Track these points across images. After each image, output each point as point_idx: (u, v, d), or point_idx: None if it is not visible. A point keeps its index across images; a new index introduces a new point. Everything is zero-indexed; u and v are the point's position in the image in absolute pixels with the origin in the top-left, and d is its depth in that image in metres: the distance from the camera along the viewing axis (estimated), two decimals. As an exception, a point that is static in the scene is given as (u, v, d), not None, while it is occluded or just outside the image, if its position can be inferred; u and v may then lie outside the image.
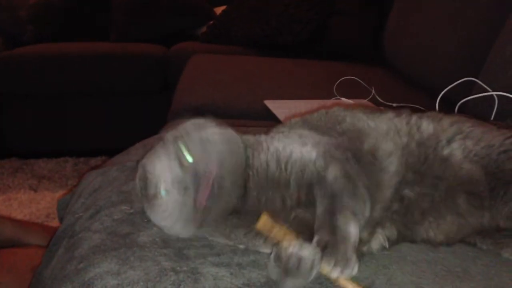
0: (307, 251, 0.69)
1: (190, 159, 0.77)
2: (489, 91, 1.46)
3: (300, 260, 0.68)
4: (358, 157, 0.84)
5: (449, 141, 0.90)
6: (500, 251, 0.85)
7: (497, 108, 1.43)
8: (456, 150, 0.88)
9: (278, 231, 0.74)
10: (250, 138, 0.89)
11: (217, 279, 0.73)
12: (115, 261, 0.76)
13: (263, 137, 0.89)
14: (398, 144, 0.88)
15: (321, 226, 0.74)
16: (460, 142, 0.89)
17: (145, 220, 0.85)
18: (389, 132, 0.90)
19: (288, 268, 0.69)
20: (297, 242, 0.70)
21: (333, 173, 0.79)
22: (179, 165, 0.77)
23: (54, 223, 2.24)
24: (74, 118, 3.05)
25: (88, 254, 0.79)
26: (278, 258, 0.70)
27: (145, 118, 2.85)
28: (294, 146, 0.83)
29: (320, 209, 0.76)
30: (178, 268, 0.75)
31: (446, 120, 0.94)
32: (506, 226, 0.84)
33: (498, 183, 0.84)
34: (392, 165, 0.85)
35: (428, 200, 0.85)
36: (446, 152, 0.88)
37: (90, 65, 2.95)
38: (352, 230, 0.73)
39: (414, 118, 0.94)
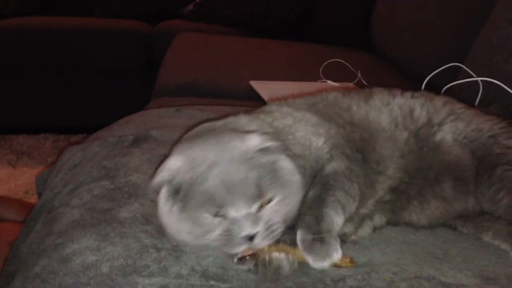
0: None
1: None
2: (474, 77, 1.46)
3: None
4: (364, 157, 0.83)
5: (441, 124, 0.90)
6: (481, 235, 0.85)
7: (481, 94, 1.43)
8: (447, 134, 0.89)
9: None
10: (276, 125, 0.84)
11: (199, 257, 0.72)
12: (95, 237, 0.74)
13: (280, 124, 0.84)
14: (398, 142, 0.88)
15: (308, 212, 0.74)
16: (452, 124, 0.90)
17: (126, 196, 0.83)
18: (390, 128, 0.89)
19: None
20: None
21: (335, 167, 0.78)
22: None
23: (33, 199, 2.20)
24: (56, 94, 2.98)
25: (67, 229, 0.77)
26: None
27: (130, 96, 2.80)
28: (311, 137, 0.81)
29: (311, 192, 0.76)
30: (160, 245, 0.73)
31: (439, 101, 0.94)
32: (489, 209, 0.85)
33: (484, 167, 0.85)
34: (389, 169, 0.85)
35: (416, 188, 0.85)
36: (438, 138, 0.89)
37: (72, 40, 2.89)
38: (338, 223, 0.74)
39: (407, 101, 0.94)
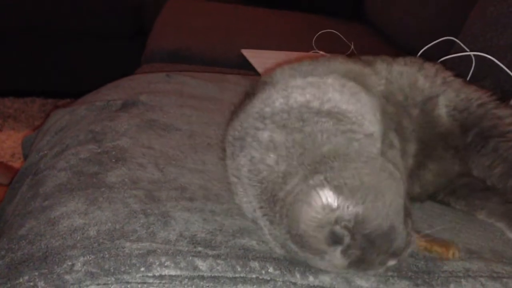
0: None
1: None
2: (467, 51, 1.45)
3: None
4: None
5: (438, 96, 0.90)
6: (474, 213, 0.86)
7: (474, 69, 1.43)
8: (442, 109, 0.89)
9: None
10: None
11: (188, 223, 0.72)
12: (82, 201, 0.73)
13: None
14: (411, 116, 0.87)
15: None
16: (444, 95, 0.90)
17: (113, 160, 0.82)
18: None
19: None
20: None
21: None
22: None
23: (19, 163, 2.18)
24: (45, 58, 2.90)
25: (54, 192, 0.76)
26: None
27: (120, 62, 2.72)
28: None
29: None
30: (149, 210, 0.73)
31: (431, 68, 0.93)
32: (481, 176, 0.86)
33: (477, 138, 0.87)
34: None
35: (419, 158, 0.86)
36: (436, 113, 0.89)
37: (60, 3, 2.80)
38: None
39: (406, 69, 0.93)
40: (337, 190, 0.58)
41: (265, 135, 0.68)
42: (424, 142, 0.87)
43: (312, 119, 0.67)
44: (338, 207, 0.57)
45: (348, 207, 0.57)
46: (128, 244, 0.65)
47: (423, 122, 0.89)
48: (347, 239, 0.58)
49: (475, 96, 0.91)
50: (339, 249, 0.59)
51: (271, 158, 0.66)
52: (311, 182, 0.60)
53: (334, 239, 0.58)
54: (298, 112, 0.69)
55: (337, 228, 0.57)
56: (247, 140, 0.71)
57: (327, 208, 0.57)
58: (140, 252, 0.64)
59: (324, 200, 0.57)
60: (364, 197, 0.57)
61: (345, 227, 0.57)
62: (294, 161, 0.64)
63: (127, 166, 0.84)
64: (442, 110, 0.90)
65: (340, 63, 0.85)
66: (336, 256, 0.60)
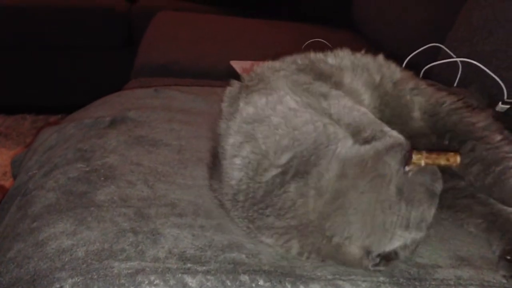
0: None
1: None
2: (453, 58, 1.47)
3: None
4: None
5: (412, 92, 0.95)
6: (466, 228, 0.86)
7: (460, 75, 1.44)
8: (416, 112, 0.93)
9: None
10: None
11: (178, 239, 0.71)
12: (71, 221, 0.73)
13: None
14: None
15: None
16: (418, 98, 0.94)
17: (102, 178, 0.82)
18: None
19: None
20: None
21: None
22: None
23: (10, 182, 2.16)
24: (34, 73, 2.91)
25: (42, 213, 0.76)
26: None
27: (110, 74, 2.74)
28: None
29: None
30: (138, 228, 0.73)
31: (405, 73, 0.98)
32: (459, 173, 0.88)
33: (453, 141, 0.90)
34: None
35: None
36: (412, 115, 0.93)
37: (49, 18, 2.80)
38: None
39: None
40: None
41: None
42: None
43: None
44: None
45: None
46: (116, 263, 0.65)
47: (399, 121, 0.91)
48: None
49: (447, 101, 0.94)
50: None
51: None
52: None
53: None
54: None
55: None
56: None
57: None
58: (129, 271, 0.64)
59: None
60: None
61: None
62: None
63: (116, 184, 0.83)
64: (416, 113, 0.93)
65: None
66: None
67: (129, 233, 0.71)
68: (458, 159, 0.68)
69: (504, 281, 0.71)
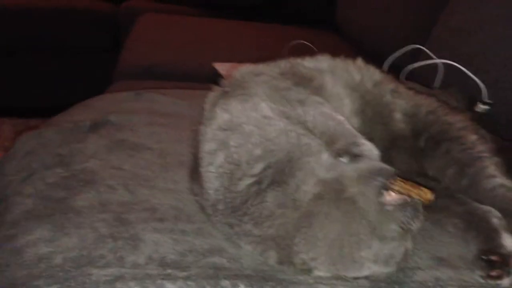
0: None
1: None
2: (434, 59, 1.48)
3: None
4: None
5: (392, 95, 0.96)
6: (442, 226, 0.87)
7: (440, 76, 1.45)
8: (397, 114, 0.93)
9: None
10: None
11: (158, 245, 0.71)
12: (49, 228, 0.72)
13: None
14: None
15: None
16: (398, 100, 0.96)
17: (81, 184, 0.81)
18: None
19: None
20: None
21: None
22: None
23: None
24: (15, 74, 2.87)
25: (20, 219, 0.75)
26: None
27: (95, 77, 2.71)
28: None
29: None
30: (117, 234, 0.72)
31: (384, 75, 1.00)
32: (435, 176, 0.89)
33: (429, 142, 0.91)
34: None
35: None
36: (393, 117, 0.94)
37: (33, 19, 2.77)
38: None
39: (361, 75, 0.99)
40: None
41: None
42: (384, 143, 0.91)
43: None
44: None
45: None
46: (95, 270, 0.64)
47: (381, 120, 0.92)
48: None
49: (425, 104, 0.95)
50: None
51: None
52: None
53: None
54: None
55: None
56: None
57: None
58: (108, 278, 0.63)
59: None
60: None
61: None
62: None
63: (95, 189, 0.83)
64: (397, 115, 0.94)
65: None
66: None
67: (108, 239, 0.70)
68: (430, 196, 0.66)
69: (481, 280, 0.71)
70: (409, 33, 1.87)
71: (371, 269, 0.66)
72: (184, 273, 0.65)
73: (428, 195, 0.66)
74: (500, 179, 0.83)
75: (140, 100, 1.22)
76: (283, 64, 0.97)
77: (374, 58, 1.97)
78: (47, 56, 2.87)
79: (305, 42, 2.04)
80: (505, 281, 0.70)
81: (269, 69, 0.93)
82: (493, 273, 0.71)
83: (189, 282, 0.64)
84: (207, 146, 0.77)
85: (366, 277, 0.67)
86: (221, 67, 1.77)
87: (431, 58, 1.50)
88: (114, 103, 1.20)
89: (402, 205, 0.65)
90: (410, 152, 0.91)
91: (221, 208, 0.73)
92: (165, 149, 0.99)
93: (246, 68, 0.94)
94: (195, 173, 0.83)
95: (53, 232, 0.71)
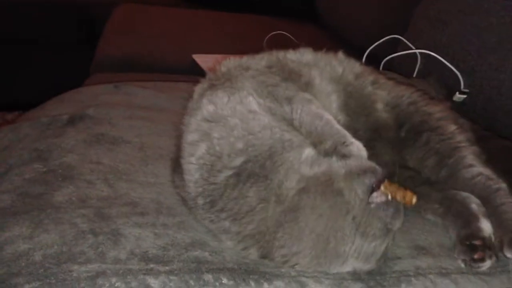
0: None
1: None
2: (412, 49, 1.49)
3: None
4: None
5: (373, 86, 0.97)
6: (421, 213, 0.88)
7: (419, 66, 1.47)
8: (379, 105, 0.93)
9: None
10: None
11: (139, 239, 0.70)
12: (27, 224, 0.71)
13: None
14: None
15: None
16: (379, 91, 0.96)
17: (60, 179, 0.80)
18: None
19: None
20: None
21: None
22: None
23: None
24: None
25: (-3, 217, 0.73)
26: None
27: (71, 70, 2.66)
28: None
29: None
30: (98, 229, 0.71)
31: (365, 67, 1.01)
32: (415, 168, 0.91)
33: (409, 133, 0.92)
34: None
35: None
36: (375, 107, 0.94)
37: (6, 11, 2.70)
38: None
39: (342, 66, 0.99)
40: None
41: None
42: (368, 133, 0.91)
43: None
44: None
45: None
46: (76, 267, 0.63)
47: (364, 112, 0.93)
48: None
49: (406, 94, 0.96)
50: None
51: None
52: None
53: None
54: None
55: None
56: None
57: None
58: (89, 274, 0.62)
59: None
60: None
61: None
62: None
63: (74, 184, 0.81)
64: (379, 105, 0.95)
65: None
66: None
67: (88, 234, 0.69)
68: (414, 200, 0.68)
69: (463, 265, 0.73)
70: (388, 24, 1.88)
71: (352, 265, 0.67)
72: (167, 268, 0.65)
73: (411, 198, 0.68)
74: (479, 168, 0.85)
75: (119, 93, 1.20)
76: (268, 57, 0.96)
77: (354, 49, 1.98)
78: (22, 49, 2.80)
79: (285, 33, 2.04)
80: (487, 263, 0.72)
81: (256, 63, 0.93)
82: (476, 256, 0.72)
83: (171, 277, 0.64)
84: (190, 137, 0.77)
85: (347, 272, 0.68)
86: (201, 59, 1.76)
87: (410, 48, 1.52)
88: (92, 96, 1.18)
89: (386, 205, 0.67)
90: (393, 143, 0.92)
91: (200, 203, 0.73)
92: (145, 143, 0.98)
93: (232, 61, 0.94)
94: (177, 165, 0.83)
95: (32, 229, 0.70)
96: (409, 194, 0.67)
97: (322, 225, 0.65)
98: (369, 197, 0.66)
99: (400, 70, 1.49)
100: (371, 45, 1.63)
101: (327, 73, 0.95)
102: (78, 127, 0.99)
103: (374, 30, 1.91)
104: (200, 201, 0.73)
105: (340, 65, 0.99)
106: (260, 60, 0.94)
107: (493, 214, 0.79)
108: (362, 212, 0.66)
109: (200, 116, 0.77)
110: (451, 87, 1.32)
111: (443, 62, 1.36)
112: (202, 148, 0.74)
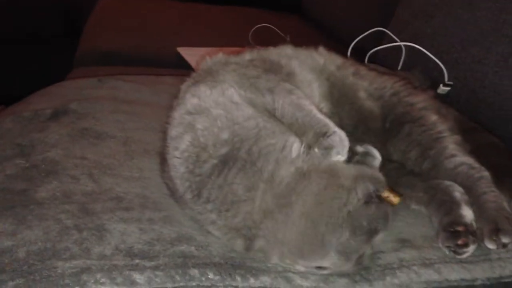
0: None
1: None
2: (397, 41, 1.50)
3: None
4: None
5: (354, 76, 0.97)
6: (409, 204, 0.89)
7: (404, 58, 1.47)
8: (362, 95, 0.94)
9: None
10: None
11: (125, 235, 0.70)
12: (10, 221, 0.70)
13: None
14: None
15: None
16: (360, 81, 0.97)
17: (43, 174, 0.79)
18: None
19: None
20: None
21: None
22: None
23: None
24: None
25: (-21, 213, 0.72)
26: None
27: (53, 63, 2.63)
28: None
29: None
30: (82, 225, 0.71)
31: (345, 60, 1.02)
32: (399, 160, 0.91)
33: (392, 124, 0.92)
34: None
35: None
36: (358, 99, 0.94)
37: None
38: None
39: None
40: None
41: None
42: (353, 121, 0.92)
43: None
44: None
45: None
46: (60, 263, 0.63)
47: (348, 101, 0.93)
48: None
49: (388, 85, 0.97)
50: None
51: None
52: None
53: None
54: None
55: None
56: None
57: None
58: (74, 270, 0.62)
59: None
60: None
61: None
62: None
63: (58, 179, 0.81)
64: (362, 94, 0.95)
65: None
66: None
67: (73, 230, 0.69)
68: (397, 201, 0.72)
69: (447, 252, 0.74)
70: (373, 16, 1.88)
71: (332, 260, 0.67)
72: (152, 263, 0.65)
73: (395, 199, 0.71)
74: (461, 158, 0.86)
75: (103, 87, 1.19)
76: (249, 52, 0.97)
77: (339, 41, 1.99)
78: (4, 43, 2.76)
79: (270, 25, 2.03)
80: (471, 248, 0.73)
81: (239, 59, 0.93)
82: (460, 242, 0.73)
83: (157, 272, 0.64)
84: (174, 131, 0.77)
85: (324, 268, 0.68)
86: (186, 52, 1.75)
87: (395, 40, 1.52)
88: (75, 90, 1.16)
89: (378, 208, 0.69)
90: (379, 136, 0.92)
91: (189, 197, 0.72)
92: (130, 137, 0.97)
93: (216, 58, 0.94)
94: (164, 158, 0.82)
95: (15, 225, 0.69)
96: (394, 194, 0.71)
97: (318, 211, 0.67)
98: (366, 199, 0.69)
99: (385, 62, 1.50)
100: (356, 38, 1.63)
101: (308, 64, 0.95)
102: (62, 121, 0.98)
103: (359, 22, 1.92)
104: (188, 195, 0.72)
105: (321, 57, 1.00)
106: (242, 56, 0.95)
107: (476, 203, 0.80)
108: (358, 210, 0.67)
109: (184, 109, 0.77)
110: (435, 79, 1.32)
111: (427, 55, 1.36)
112: (186, 141, 0.74)
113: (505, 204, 0.79)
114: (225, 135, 0.72)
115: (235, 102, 0.76)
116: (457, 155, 0.86)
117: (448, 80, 1.31)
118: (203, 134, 0.73)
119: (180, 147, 0.74)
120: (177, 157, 0.74)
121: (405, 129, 0.90)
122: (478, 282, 0.71)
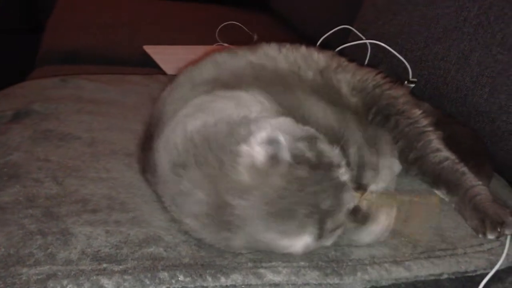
0: None
1: None
2: (363, 39, 1.52)
3: None
4: None
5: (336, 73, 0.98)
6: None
7: (369, 56, 1.50)
8: (344, 88, 0.96)
9: None
10: None
11: (91, 238, 0.69)
12: (-29, 227, 0.68)
13: None
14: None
15: None
16: (343, 75, 0.97)
17: (5, 178, 0.77)
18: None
19: None
20: None
21: None
22: None
23: None
24: None
25: None
26: None
27: (14, 62, 2.56)
28: None
29: None
30: (47, 229, 0.69)
31: (326, 52, 1.03)
32: (385, 151, 0.92)
33: (378, 116, 0.94)
34: None
35: None
36: (341, 92, 0.96)
37: None
38: None
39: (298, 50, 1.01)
40: None
41: None
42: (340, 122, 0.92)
43: None
44: None
45: None
46: (25, 270, 0.61)
47: (333, 100, 0.92)
48: None
49: (369, 77, 0.98)
50: None
51: None
52: None
53: None
54: None
55: None
56: None
57: None
58: (39, 277, 0.60)
59: None
60: None
61: None
62: None
63: (21, 183, 0.79)
64: (344, 89, 0.96)
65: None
66: None
67: (37, 235, 0.67)
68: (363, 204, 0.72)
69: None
70: (340, 14, 1.90)
71: (305, 241, 0.65)
72: (120, 267, 0.64)
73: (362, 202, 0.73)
74: (445, 153, 0.89)
75: (66, 86, 1.17)
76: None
77: (306, 39, 2.00)
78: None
79: (237, 23, 2.03)
80: None
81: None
82: None
83: (126, 276, 0.63)
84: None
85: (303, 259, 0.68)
86: (152, 50, 1.73)
87: (360, 38, 1.54)
88: (38, 91, 1.14)
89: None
90: (362, 127, 0.92)
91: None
92: (96, 138, 0.96)
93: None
94: (146, 162, 0.82)
95: (-24, 232, 0.67)
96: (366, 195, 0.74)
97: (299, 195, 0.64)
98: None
99: (351, 59, 1.52)
100: (323, 35, 1.65)
101: (308, 83, 0.94)
102: (24, 123, 0.96)
103: (326, 20, 1.93)
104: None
105: (309, 67, 0.97)
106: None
107: (464, 197, 0.83)
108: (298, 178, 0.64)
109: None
110: (400, 76, 1.35)
111: (392, 52, 1.39)
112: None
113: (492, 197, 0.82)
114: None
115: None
116: (441, 150, 0.90)
117: (413, 77, 1.34)
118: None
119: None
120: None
121: (391, 121, 0.92)
122: (444, 277, 0.73)
